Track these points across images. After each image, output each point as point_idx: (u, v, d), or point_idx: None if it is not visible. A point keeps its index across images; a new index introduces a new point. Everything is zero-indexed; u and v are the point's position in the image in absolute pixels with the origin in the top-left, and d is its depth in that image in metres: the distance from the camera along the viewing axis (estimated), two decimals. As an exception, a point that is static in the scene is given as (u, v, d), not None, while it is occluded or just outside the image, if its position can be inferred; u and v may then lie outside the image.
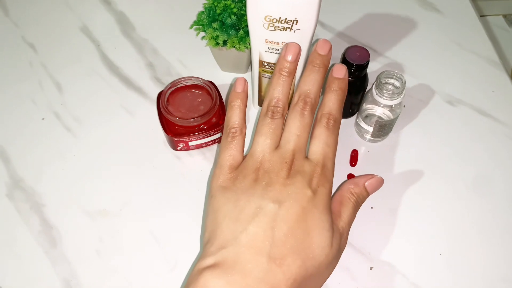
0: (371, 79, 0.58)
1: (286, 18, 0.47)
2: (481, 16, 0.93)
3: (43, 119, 0.61)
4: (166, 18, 0.73)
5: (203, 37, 0.59)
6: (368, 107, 0.57)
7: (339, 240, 0.39)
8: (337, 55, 0.67)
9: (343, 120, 0.61)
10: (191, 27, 0.59)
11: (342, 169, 0.57)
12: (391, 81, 0.53)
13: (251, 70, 0.57)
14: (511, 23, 1.05)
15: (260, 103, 0.61)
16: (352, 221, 0.44)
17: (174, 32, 0.70)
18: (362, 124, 0.58)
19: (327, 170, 0.40)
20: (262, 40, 0.51)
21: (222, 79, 0.65)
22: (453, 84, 0.65)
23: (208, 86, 0.57)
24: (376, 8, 0.74)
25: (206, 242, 0.38)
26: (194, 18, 0.69)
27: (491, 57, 0.68)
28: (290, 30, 0.48)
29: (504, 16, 1.10)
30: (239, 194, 0.38)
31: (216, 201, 0.39)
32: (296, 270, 0.35)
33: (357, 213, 0.45)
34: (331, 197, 0.41)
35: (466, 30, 0.72)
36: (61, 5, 0.75)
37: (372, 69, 0.66)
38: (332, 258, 0.38)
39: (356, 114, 0.60)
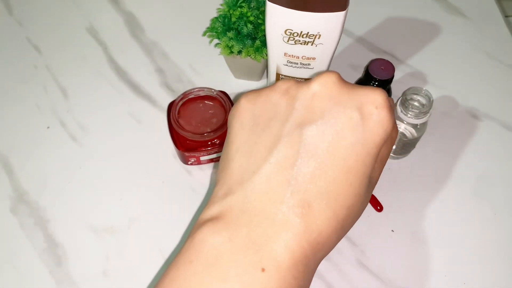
0: (392, 89, 0.55)
1: (308, 33, 0.44)
2: (506, 16, 0.88)
3: (48, 127, 0.59)
4: (176, 20, 0.69)
5: (216, 45, 0.56)
6: (390, 122, 0.53)
7: (371, 189, 0.30)
8: (357, 62, 0.64)
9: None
10: (204, 34, 0.56)
11: (361, 188, 0.54)
12: (417, 98, 0.50)
13: (267, 79, 0.54)
14: (535, 25, 1.00)
15: (275, 114, 0.58)
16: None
17: (185, 35, 0.67)
18: (383, 140, 0.55)
19: (387, 99, 0.28)
20: (281, 54, 0.47)
21: (235, 86, 0.62)
22: (478, 96, 0.61)
23: (221, 97, 0.54)
24: (398, 11, 0.70)
25: (216, 183, 0.29)
26: (207, 19, 0.66)
27: (520, 67, 0.64)
28: (312, 45, 0.45)
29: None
30: (257, 117, 0.29)
31: (230, 130, 0.30)
32: (326, 223, 0.25)
33: (377, 236, 0.42)
34: (388, 132, 0.27)
35: (493, 38, 0.68)
36: (67, 2, 0.71)
37: (394, 78, 0.63)
38: (362, 210, 0.29)
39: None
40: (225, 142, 0.30)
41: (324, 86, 0.27)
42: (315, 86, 0.27)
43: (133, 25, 0.68)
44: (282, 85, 0.29)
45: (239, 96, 0.60)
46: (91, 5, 0.71)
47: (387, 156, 0.30)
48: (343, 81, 0.28)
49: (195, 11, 0.69)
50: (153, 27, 0.68)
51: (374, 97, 0.27)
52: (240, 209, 0.26)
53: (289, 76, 0.50)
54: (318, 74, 0.28)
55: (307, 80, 0.27)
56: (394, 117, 0.28)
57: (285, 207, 0.25)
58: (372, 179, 0.28)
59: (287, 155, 0.26)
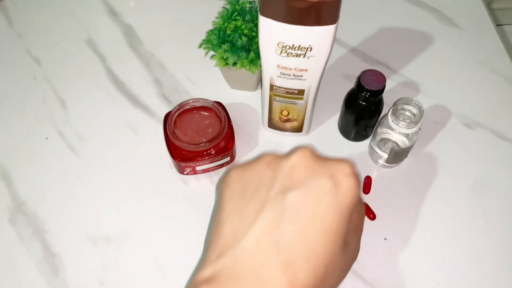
0: (385, 98, 0.56)
1: (300, 45, 0.45)
2: (498, 25, 0.90)
3: (47, 138, 0.60)
4: (174, 32, 0.71)
5: (212, 56, 0.57)
6: (383, 131, 0.54)
7: (350, 254, 0.34)
8: (351, 72, 0.65)
9: (356, 144, 0.59)
10: (200, 46, 0.57)
11: (354, 197, 0.54)
12: (408, 107, 0.51)
13: (261, 90, 0.55)
14: (529, 33, 1.01)
15: (270, 125, 0.59)
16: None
17: (182, 47, 0.68)
18: (376, 149, 0.55)
19: (354, 169, 0.33)
20: (274, 65, 0.48)
21: (231, 97, 0.63)
22: (471, 106, 0.62)
23: (216, 108, 0.55)
24: (391, 22, 0.71)
25: (209, 245, 0.33)
26: (203, 31, 0.67)
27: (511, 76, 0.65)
28: (304, 57, 0.46)
29: (522, 26, 1.06)
30: (246, 186, 0.33)
31: (222, 197, 0.34)
32: (306, 278, 0.29)
33: (370, 244, 0.43)
34: (357, 196, 0.32)
35: (485, 47, 0.69)
36: (66, 15, 0.73)
37: (386, 88, 0.64)
38: (342, 272, 0.33)
39: (370, 137, 0.58)
40: (217, 208, 0.34)
41: (301, 159, 0.32)
42: (294, 158, 0.32)
43: (131, 37, 0.70)
44: (265, 158, 0.33)
45: (235, 106, 0.61)
46: (90, 17, 0.72)
47: (360, 225, 0.35)
48: (316, 154, 0.33)
49: (192, 23, 0.71)
50: (150, 39, 0.69)
51: (343, 167, 0.31)
52: (231, 270, 0.29)
53: (282, 87, 0.51)
54: (295, 149, 0.32)
55: (286, 155, 0.33)
56: (360, 187, 0.32)
57: (271, 266, 0.29)
58: (348, 243, 0.32)
59: (272, 218, 0.30)
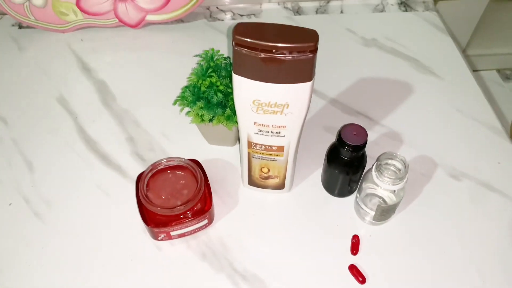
0: (368, 150, 0.53)
1: (276, 103, 0.43)
2: (474, 71, 0.91)
3: (10, 204, 0.55)
4: (149, 87, 0.69)
5: (187, 113, 0.55)
6: (369, 186, 0.52)
7: None
8: (331, 124, 0.63)
9: (341, 200, 0.56)
10: (174, 103, 0.55)
11: (342, 258, 0.51)
12: (393, 162, 0.49)
13: (239, 147, 0.52)
14: (505, 78, 1.03)
15: (251, 182, 0.56)
16: None
17: (157, 103, 0.66)
18: (362, 205, 0.53)
19: None
20: (251, 123, 0.46)
21: (209, 153, 0.60)
22: (456, 156, 0.61)
23: (192, 167, 0.52)
24: (369, 72, 0.71)
25: None
26: (179, 87, 0.65)
27: (493, 124, 0.64)
28: (281, 114, 0.44)
29: (498, 71, 1.08)
30: None
31: None
32: None
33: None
34: None
35: (465, 94, 0.68)
36: (37, 71, 0.71)
37: (369, 139, 0.62)
38: None
39: (356, 192, 0.55)
40: None
41: None
42: None
43: (105, 94, 0.67)
44: None
45: (213, 162, 0.59)
46: (62, 74, 0.70)
47: None
48: None
49: (168, 78, 0.69)
50: (125, 95, 0.67)
51: None
52: None
53: (261, 144, 0.49)
54: None
55: None
56: None
57: None
58: None
59: None
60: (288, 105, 0.43)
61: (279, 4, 0.82)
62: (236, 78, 0.42)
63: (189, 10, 0.75)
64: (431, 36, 0.77)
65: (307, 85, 0.41)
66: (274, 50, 0.38)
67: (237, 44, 0.39)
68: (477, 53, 1.06)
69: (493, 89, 1.05)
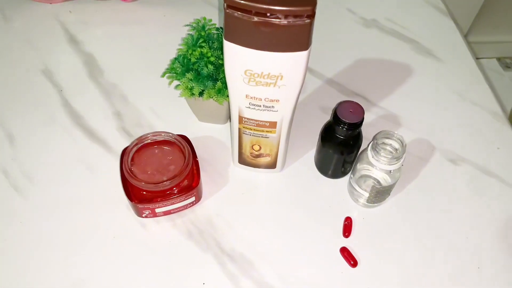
0: (364, 132, 0.51)
1: (269, 73, 0.40)
2: (477, 58, 0.89)
3: (-12, 177, 0.53)
4: (139, 61, 0.66)
5: (177, 86, 0.52)
6: (363, 167, 0.50)
7: None
8: (327, 104, 0.61)
9: (335, 181, 0.54)
10: (163, 75, 0.52)
11: (333, 241, 0.49)
12: (389, 142, 0.47)
13: (231, 123, 0.50)
14: (505, 66, 1.01)
15: (241, 160, 0.54)
16: None
17: (147, 77, 0.63)
18: (356, 187, 0.51)
19: None
20: (242, 96, 0.44)
21: (200, 130, 0.58)
22: (454, 140, 0.59)
23: (180, 142, 0.50)
24: (368, 53, 0.69)
25: None
26: (169, 61, 0.63)
27: (493, 109, 0.62)
28: (274, 86, 0.42)
29: (498, 59, 1.06)
30: None
31: None
32: None
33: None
34: None
35: (465, 79, 0.66)
36: (22, 42, 0.67)
37: (365, 121, 0.60)
38: None
39: (350, 174, 0.53)
40: None
41: None
42: None
43: (92, 67, 0.65)
44: None
45: (203, 140, 0.56)
46: (48, 46, 0.67)
47: None
48: None
49: (157, 52, 0.66)
50: (113, 69, 0.64)
51: None
52: None
53: (252, 120, 0.46)
54: None
55: None
56: None
57: None
58: None
59: None
60: (282, 77, 0.41)
61: (277, -18, 0.79)
62: (227, 45, 0.39)
63: (183, -16, 0.72)
64: (433, 19, 0.75)
65: (302, 55, 0.39)
66: (268, 14, 0.36)
67: (229, 6, 0.36)
68: (478, 40, 1.03)
69: (493, 77, 1.03)
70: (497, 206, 0.53)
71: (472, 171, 0.56)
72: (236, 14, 0.36)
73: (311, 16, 0.36)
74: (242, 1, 0.36)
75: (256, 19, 0.36)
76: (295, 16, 0.36)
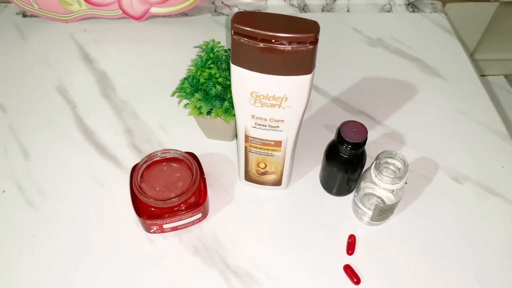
0: (369, 151, 0.52)
1: (274, 95, 0.42)
2: (481, 75, 0.89)
3: (4, 191, 0.55)
4: (149, 79, 0.68)
5: (186, 105, 0.54)
6: (367, 185, 0.50)
7: None
8: (332, 122, 0.62)
9: (339, 198, 0.55)
10: (173, 95, 0.54)
11: (337, 258, 0.50)
12: (392, 161, 0.48)
13: (237, 141, 0.51)
14: (512, 84, 1.02)
15: (247, 177, 0.55)
16: None
17: (157, 95, 0.65)
18: (360, 205, 0.52)
19: None
20: (248, 116, 0.45)
21: (208, 147, 0.59)
22: (458, 158, 0.59)
23: (187, 159, 0.51)
24: (373, 72, 0.70)
25: None
26: (179, 79, 0.65)
27: (498, 128, 0.63)
28: (279, 107, 0.43)
29: (506, 76, 1.06)
30: None
31: None
32: None
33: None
34: None
35: (470, 97, 0.67)
36: (38, 60, 0.70)
37: (369, 139, 0.61)
38: None
39: (354, 192, 0.54)
40: None
41: None
42: None
43: (105, 84, 0.67)
44: None
45: (210, 157, 0.58)
46: (63, 64, 0.70)
47: None
48: None
49: (169, 71, 0.68)
50: (124, 87, 0.67)
51: None
52: None
53: (258, 139, 0.48)
54: None
55: None
56: None
57: None
58: None
59: None
60: (286, 98, 0.42)
61: (284, 1, 0.81)
62: (234, 69, 0.41)
63: (194, 4, 0.74)
64: (438, 38, 0.76)
65: (306, 78, 0.40)
66: (273, 40, 0.37)
67: (236, 33, 0.38)
68: (484, 58, 1.04)
69: (500, 94, 1.03)
70: (501, 225, 0.53)
71: (475, 189, 0.56)
72: (242, 40, 0.38)
73: (314, 42, 0.37)
74: (248, 28, 0.37)
75: (261, 45, 0.38)
76: (299, 43, 0.37)
